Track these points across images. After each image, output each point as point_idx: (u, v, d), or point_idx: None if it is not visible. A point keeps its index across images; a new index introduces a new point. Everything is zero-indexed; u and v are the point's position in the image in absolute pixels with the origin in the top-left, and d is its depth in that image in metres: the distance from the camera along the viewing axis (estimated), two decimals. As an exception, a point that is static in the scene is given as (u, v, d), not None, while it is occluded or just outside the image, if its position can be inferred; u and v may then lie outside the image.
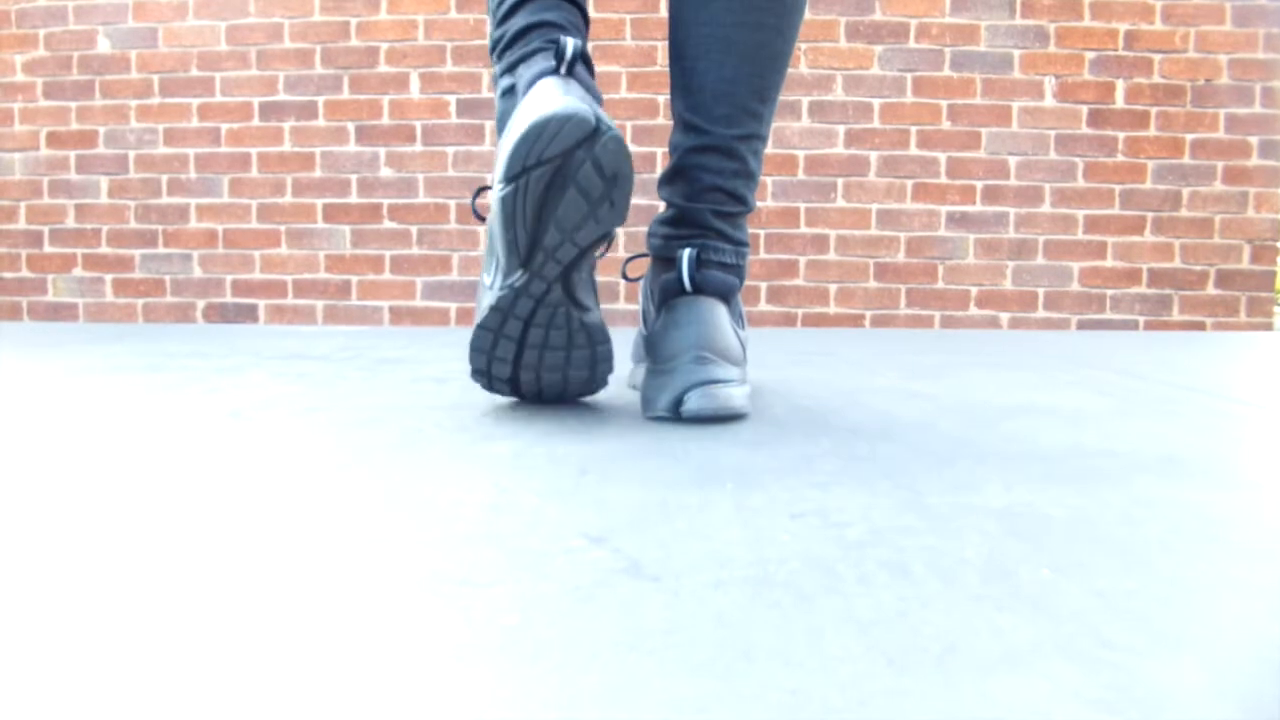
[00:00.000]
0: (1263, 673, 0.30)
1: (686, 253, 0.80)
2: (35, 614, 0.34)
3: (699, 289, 0.80)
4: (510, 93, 0.75)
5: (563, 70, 0.71)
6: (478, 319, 0.76)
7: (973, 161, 2.12)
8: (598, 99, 0.73)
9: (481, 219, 0.85)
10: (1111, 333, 2.05)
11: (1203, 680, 0.29)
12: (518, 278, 0.72)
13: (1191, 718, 0.27)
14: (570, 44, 0.71)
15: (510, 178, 0.69)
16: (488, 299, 0.75)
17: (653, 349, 0.81)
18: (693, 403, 0.75)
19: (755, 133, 0.84)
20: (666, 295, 0.81)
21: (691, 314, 0.78)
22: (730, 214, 0.84)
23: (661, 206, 0.88)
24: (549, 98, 0.68)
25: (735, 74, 0.81)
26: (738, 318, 0.87)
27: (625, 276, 0.93)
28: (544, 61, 0.72)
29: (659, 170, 2.11)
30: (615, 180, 0.70)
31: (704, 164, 0.83)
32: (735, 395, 0.76)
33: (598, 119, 0.68)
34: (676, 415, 0.76)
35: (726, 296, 0.81)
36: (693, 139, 0.83)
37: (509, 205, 0.69)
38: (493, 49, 0.80)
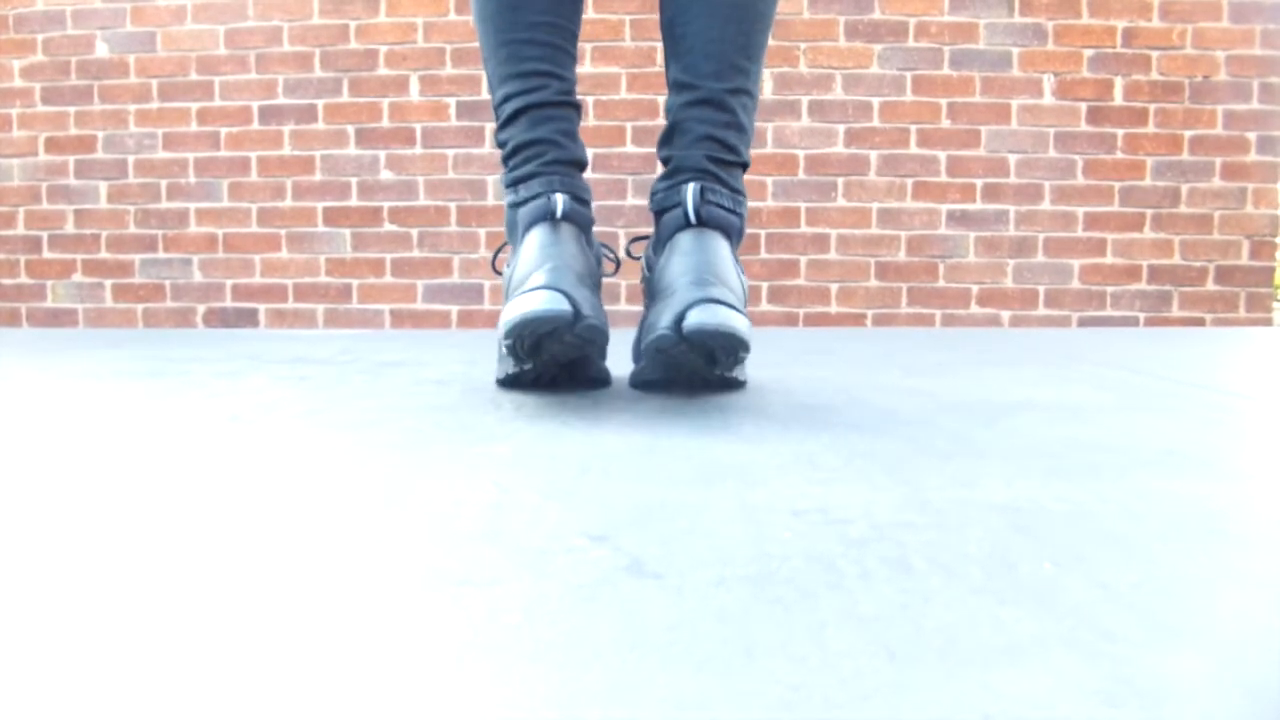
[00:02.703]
0: (1264, 663, 0.30)
1: (691, 186, 0.82)
2: (36, 616, 0.34)
3: (703, 222, 0.81)
4: (518, 205, 0.87)
5: (556, 215, 0.82)
6: (497, 372, 0.93)
7: (972, 160, 2.12)
8: (589, 230, 0.86)
9: (499, 273, 0.92)
10: (1112, 329, 2.05)
11: (1205, 671, 0.29)
12: (526, 369, 0.87)
13: (1194, 709, 0.27)
14: (560, 202, 0.82)
15: (507, 337, 0.79)
16: (500, 369, 0.92)
17: (655, 285, 0.82)
18: (694, 317, 0.73)
19: (743, 87, 0.87)
20: (670, 231, 0.83)
21: (695, 243, 0.80)
22: (726, 162, 0.87)
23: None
24: (535, 280, 0.77)
25: (721, 34, 0.86)
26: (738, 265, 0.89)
27: (630, 254, 0.95)
28: (539, 207, 0.83)
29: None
30: (591, 342, 0.81)
31: (696, 116, 0.86)
32: (737, 317, 0.75)
33: (575, 310, 0.75)
34: (678, 333, 0.74)
35: (729, 233, 0.83)
36: (685, 96, 0.87)
37: (511, 349, 0.82)
38: (499, 144, 0.91)
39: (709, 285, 0.76)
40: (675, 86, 0.89)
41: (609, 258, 0.95)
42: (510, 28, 0.88)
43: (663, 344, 0.76)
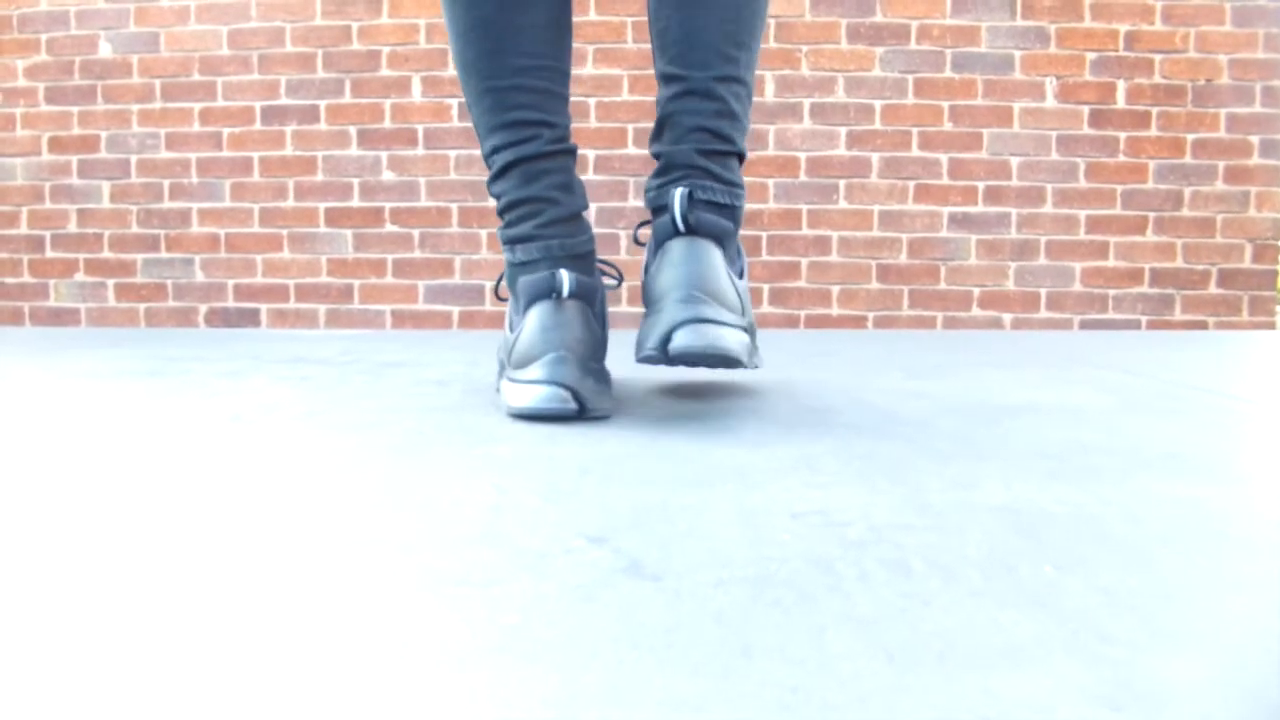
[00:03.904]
0: (1265, 667, 0.30)
1: (678, 191, 0.78)
2: (36, 615, 0.34)
3: (692, 229, 0.77)
4: (516, 267, 0.85)
5: (562, 295, 0.79)
6: (496, 383, 0.90)
7: (974, 162, 2.12)
8: (594, 298, 0.82)
9: (503, 299, 0.91)
10: (1114, 332, 2.05)
11: (1205, 675, 0.29)
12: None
13: (1194, 713, 0.26)
14: (565, 282, 0.79)
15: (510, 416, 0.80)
16: (499, 382, 0.88)
17: (647, 293, 0.79)
18: (680, 340, 0.72)
19: (732, 75, 0.83)
20: (660, 238, 0.79)
21: (684, 254, 0.76)
22: (717, 153, 0.83)
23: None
24: (536, 373, 0.77)
25: (706, 22, 0.81)
26: (736, 268, 0.85)
27: (637, 241, 0.93)
28: (541, 283, 0.79)
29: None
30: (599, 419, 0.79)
31: (684, 108, 0.82)
32: (727, 335, 0.73)
33: (580, 405, 0.76)
34: (664, 354, 0.73)
35: (721, 239, 0.79)
36: (673, 88, 0.83)
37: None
38: (493, 196, 0.88)
39: (697, 303, 0.73)
40: (663, 79, 0.85)
41: (610, 276, 0.93)
42: (493, 74, 0.83)
43: (650, 362, 0.77)
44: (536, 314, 0.79)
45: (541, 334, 0.78)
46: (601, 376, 0.80)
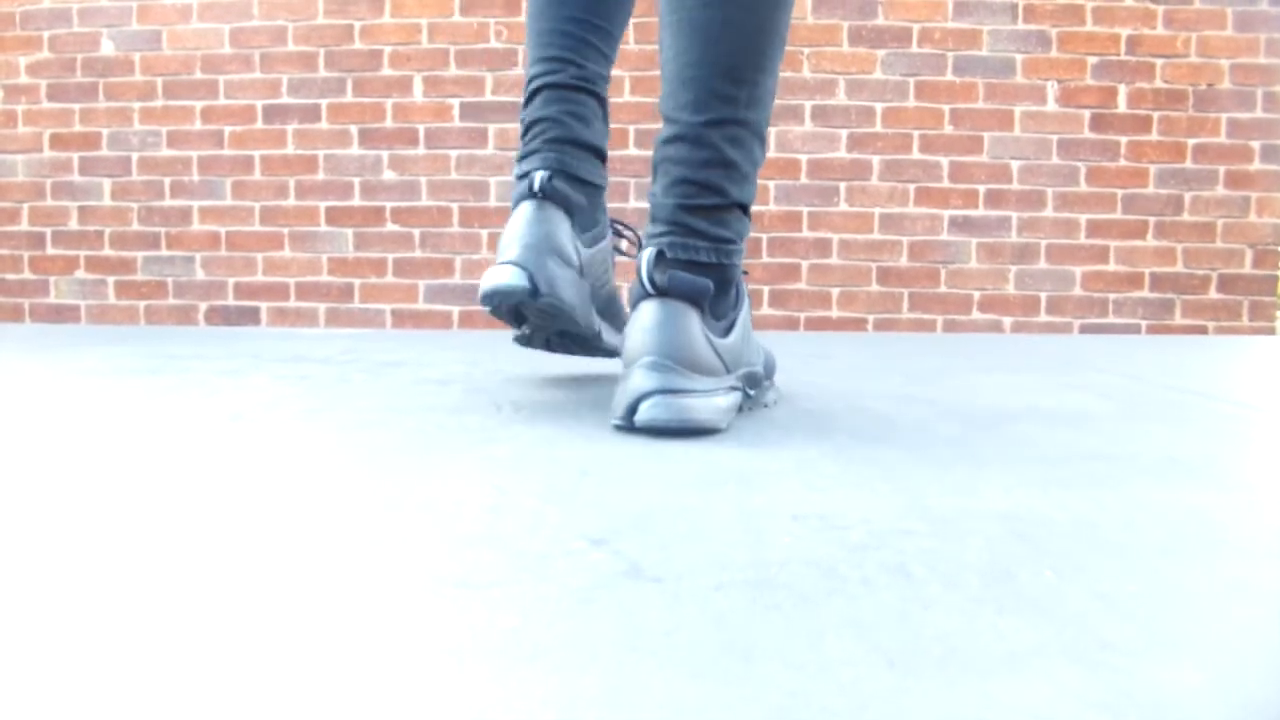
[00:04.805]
0: (1264, 675, 0.30)
1: (645, 253, 0.75)
2: (35, 614, 0.34)
3: (661, 291, 0.74)
4: (516, 181, 0.92)
5: (534, 190, 0.87)
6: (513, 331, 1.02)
7: (975, 166, 2.12)
8: (572, 209, 0.89)
9: None
10: (1114, 336, 2.05)
11: (1204, 682, 0.29)
12: (525, 332, 1.00)
13: (1193, 721, 0.27)
14: (538, 177, 0.87)
15: (483, 304, 0.89)
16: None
17: (622, 352, 0.78)
18: (645, 412, 0.71)
19: (729, 117, 0.77)
20: (633, 297, 0.77)
21: (653, 318, 0.74)
22: (705, 207, 0.77)
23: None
24: (504, 255, 0.86)
25: (699, 57, 0.77)
26: (726, 322, 0.80)
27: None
28: (525, 185, 0.89)
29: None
30: (556, 316, 0.88)
31: (672, 155, 0.78)
32: (698, 406, 0.72)
33: (534, 286, 0.83)
34: (631, 424, 0.72)
35: (695, 300, 0.74)
36: (664, 131, 0.80)
37: (495, 314, 0.93)
38: (520, 123, 0.96)
39: (665, 371, 0.71)
40: (662, 120, 0.81)
41: (629, 238, 0.96)
42: (546, 18, 0.93)
43: (622, 430, 0.74)
44: (516, 212, 0.86)
45: (513, 227, 0.85)
46: (569, 274, 0.86)
